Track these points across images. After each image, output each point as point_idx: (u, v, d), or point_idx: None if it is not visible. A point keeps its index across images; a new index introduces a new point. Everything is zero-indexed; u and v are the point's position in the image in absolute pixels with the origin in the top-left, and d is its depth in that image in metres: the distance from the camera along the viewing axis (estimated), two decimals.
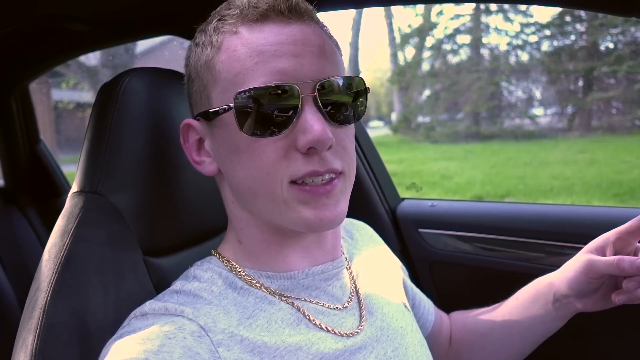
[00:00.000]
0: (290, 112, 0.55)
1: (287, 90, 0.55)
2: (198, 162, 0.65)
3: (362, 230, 0.86)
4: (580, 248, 0.79)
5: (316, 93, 0.56)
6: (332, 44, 0.62)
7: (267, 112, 0.55)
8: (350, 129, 0.62)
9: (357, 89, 0.61)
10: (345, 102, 0.59)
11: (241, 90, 0.55)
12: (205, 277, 0.62)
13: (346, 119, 0.59)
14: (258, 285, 0.62)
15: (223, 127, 0.59)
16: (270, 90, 0.54)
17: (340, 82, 0.58)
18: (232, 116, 0.56)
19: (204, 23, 0.63)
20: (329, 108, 0.57)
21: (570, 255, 0.82)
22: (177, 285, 0.61)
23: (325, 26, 0.63)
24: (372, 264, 0.78)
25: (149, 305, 0.57)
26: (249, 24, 0.57)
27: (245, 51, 0.56)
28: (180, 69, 0.83)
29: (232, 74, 0.57)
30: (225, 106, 0.57)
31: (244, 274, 0.63)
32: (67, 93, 11.19)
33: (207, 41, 0.60)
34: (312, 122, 0.54)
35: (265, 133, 0.56)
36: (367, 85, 0.63)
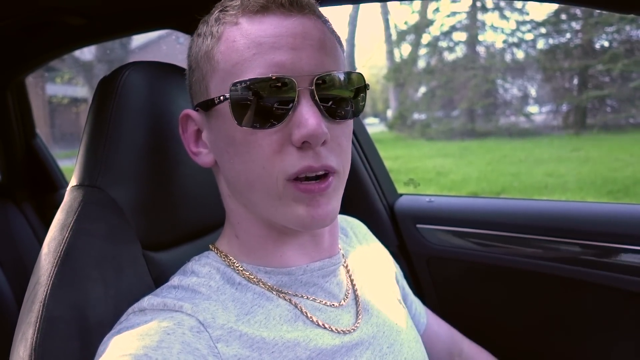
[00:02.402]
0: (287, 105, 0.55)
1: (284, 82, 0.54)
2: (195, 153, 0.65)
3: (357, 228, 0.86)
4: (576, 244, 0.80)
5: (313, 87, 0.55)
6: (334, 39, 0.61)
7: (263, 104, 0.54)
8: (348, 125, 0.61)
9: (356, 85, 0.60)
10: (343, 97, 0.58)
11: (237, 81, 0.55)
12: (203, 272, 0.62)
13: (343, 114, 0.59)
14: (256, 280, 0.62)
15: (220, 118, 0.59)
16: (267, 82, 0.54)
17: (339, 77, 0.57)
18: (228, 107, 0.56)
19: (207, 14, 0.63)
20: (329, 103, 0.56)
21: (566, 251, 0.82)
22: (175, 280, 0.61)
23: (328, 21, 0.62)
24: (367, 261, 0.79)
25: (147, 301, 0.57)
26: (250, 15, 0.57)
27: (244, 42, 0.56)
28: (178, 63, 0.83)
29: (230, 65, 0.56)
30: (222, 96, 0.57)
31: (242, 269, 0.62)
32: (61, 88, 11.10)
33: (208, 31, 0.60)
34: (308, 116, 0.54)
35: (261, 125, 0.55)
36: (366, 82, 0.62)
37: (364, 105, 0.62)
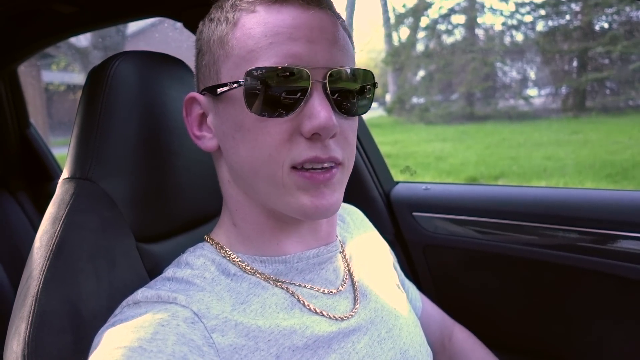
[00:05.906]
0: (299, 95, 0.55)
1: (299, 73, 0.55)
2: (198, 137, 0.65)
3: (354, 214, 0.86)
4: (573, 231, 0.80)
5: (326, 80, 0.56)
6: (346, 36, 0.62)
7: (276, 93, 0.55)
8: (355, 121, 0.63)
9: (366, 82, 0.61)
10: (353, 93, 0.59)
11: (253, 67, 0.55)
12: (198, 264, 0.62)
13: (352, 110, 0.60)
14: (252, 271, 0.62)
15: (229, 103, 0.59)
16: (282, 72, 0.54)
17: (352, 73, 0.58)
18: (240, 93, 0.56)
19: (220, 0, 0.63)
20: (336, 96, 0.57)
21: (562, 238, 0.82)
22: (169, 272, 0.61)
23: (341, 17, 0.63)
24: (364, 248, 0.79)
25: (141, 294, 0.57)
26: (267, 4, 0.57)
27: (261, 30, 0.56)
28: (171, 51, 0.82)
29: (244, 51, 0.56)
30: (235, 83, 0.56)
31: (237, 259, 0.63)
32: (57, 75, 11.06)
33: (222, 17, 0.60)
34: (320, 108, 0.55)
35: (272, 114, 0.56)
36: (375, 80, 0.63)
37: (371, 103, 0.63)
